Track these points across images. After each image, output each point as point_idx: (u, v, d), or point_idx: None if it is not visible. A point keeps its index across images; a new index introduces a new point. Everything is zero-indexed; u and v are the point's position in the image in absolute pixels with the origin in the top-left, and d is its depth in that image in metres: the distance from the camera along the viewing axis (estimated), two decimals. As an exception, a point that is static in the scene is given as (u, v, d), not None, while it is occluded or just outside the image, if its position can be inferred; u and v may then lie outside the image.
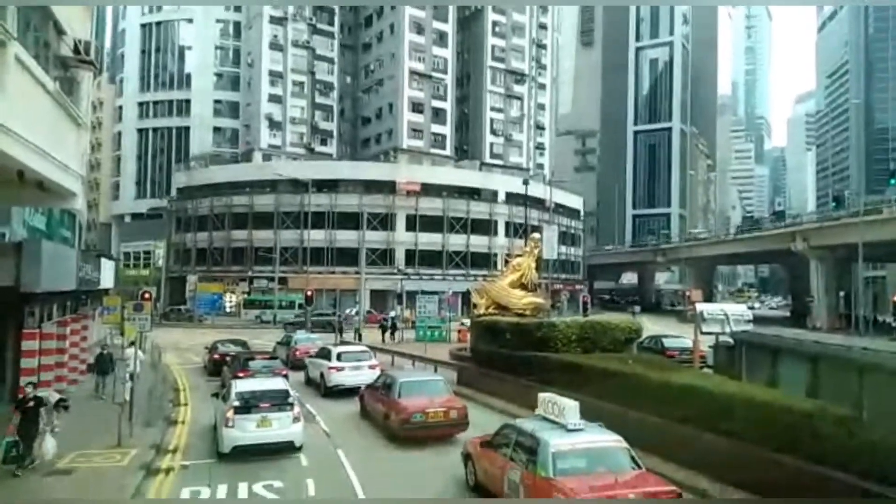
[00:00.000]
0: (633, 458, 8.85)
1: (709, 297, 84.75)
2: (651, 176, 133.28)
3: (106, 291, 27.78)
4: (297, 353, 26.56)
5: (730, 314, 15.77)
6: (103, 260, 25.96)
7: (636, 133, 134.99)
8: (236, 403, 13.36)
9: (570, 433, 8.97)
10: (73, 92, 15.95)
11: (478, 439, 11.21)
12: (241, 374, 19.08)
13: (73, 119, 11.76)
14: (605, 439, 9.02)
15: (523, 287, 25.71)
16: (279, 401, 13.66)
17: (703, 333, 16.35)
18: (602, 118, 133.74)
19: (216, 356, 25.18)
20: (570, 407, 9.20)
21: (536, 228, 61.95)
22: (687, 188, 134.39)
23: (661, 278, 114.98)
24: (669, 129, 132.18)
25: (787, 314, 78.56)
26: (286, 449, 13.28)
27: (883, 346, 13.53)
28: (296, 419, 13.53)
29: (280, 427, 13.30)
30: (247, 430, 13.09)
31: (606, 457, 8.78)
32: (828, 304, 54.40)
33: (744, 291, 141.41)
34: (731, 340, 14.65)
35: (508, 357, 19.37)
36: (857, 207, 47.65)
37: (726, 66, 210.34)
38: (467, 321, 41.70)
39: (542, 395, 9.90)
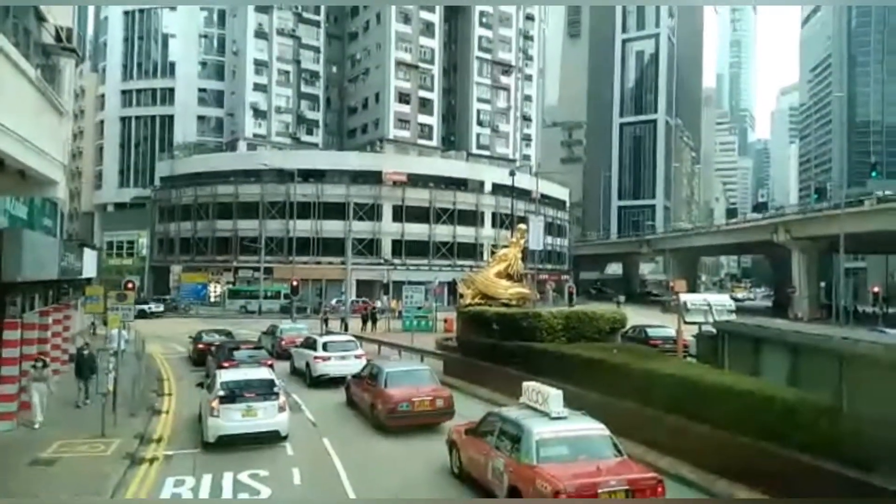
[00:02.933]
0: (615, 446, 8.97)
1: (693, 288, 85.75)
2: (637, 168, 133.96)
3: (88, 281, 27.49)
4: (283, 342, 26.46)
5: (713, 304, 15.95)
6: (86, 249, 25.63)
7: (622, 125, 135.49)
8: (221, 393, 13.33)
9: (554, 421, 9.07)
10: (54, 80, 15.76)
11: (462, 427, 11.30)
12: (225, 364, 19.07)
13: (54, 107, 11.59)
14: (588, 427, 9.12)
15: (509, 277, 25.76)
16: (265, 390, 13.66)
17: (686, 323, 16.53)
18: (588, 110, 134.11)
19: (201, 346, 25.11)
20: (553, 396, 9.29)
21: (523, 219, 62.27)
22: (672, 180, 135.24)
23: (646, 269, 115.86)
24: (655, 121, 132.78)
25: (769, 304, 79.54)
26: (272, 438, 13.29)
27: (864, 336, 13.76)
28: (281, 409, 13.53)
29: (265, 416, 13.30)
30: (232, 420, 13.07)
31: (589, 444, 8.88)
32: (809, 295, 55.17)
33: (741, 281, 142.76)
34: (713, 330, 14.83)
35: (494, 347, 19.46)
36: (838, 199, 48.25)
37: (711, 58, 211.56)
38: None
39: (526, 384, 10.00)
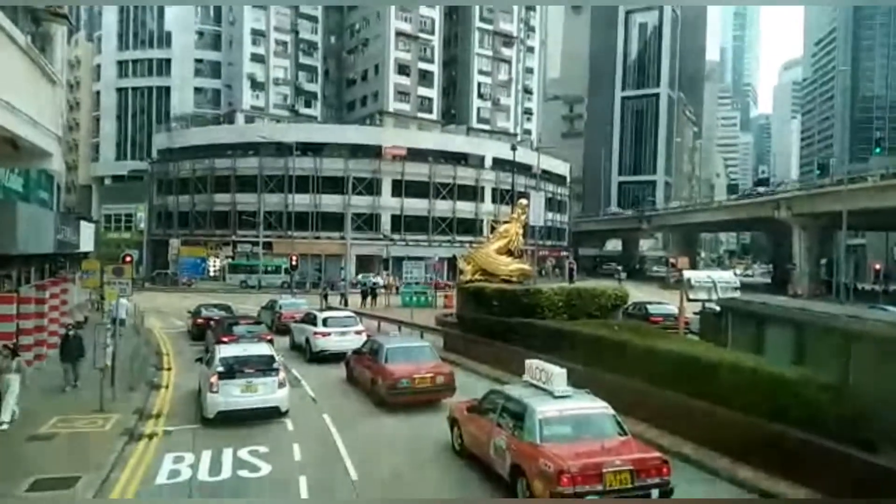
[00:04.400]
0: (619, 425, 8.86)
1: (693, 265, 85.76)
2: (637, 143, 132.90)
3: (85, 255, 27.34)
4: (283, 317, 26.49)
5: (717, 281, 15.80)
6: (82, 223, 25.46)
7: (624, 99, 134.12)
8: (220, 369, 13.22)
9: (557, 400, 8.94)
10: (46, 48, 15.37)
11: (464, 404, 11.20)
12: (225, 339, 18.88)
13: (46, 76, 11.27)
14: (591, 406, 9.00)
15: (510, 254, 25.66)
16: (264, 366, 13.55)
17: (689, 300, 16.40)
18: (590, 84, 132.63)
19: (200, 321, 25.00)
20: (557, 374, 9.16)
21: (523, 195, 61.85)
22: (673, 155, 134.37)
23: (646, 245, 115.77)
24: (657, 95, 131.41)
25: (768, 281, 79.55)
26: (272, 414, 13.22)
27: (866, 314, 13.64)
28: (281, 384, 13.44)
29: (265, 392, 13.22)
30: (231, 396, 12.98)
31: (593, 424, 8.77)
32: (809, 272, 55.08)
33: (743, 258, 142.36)
34: (717, 307, 14.70)
35: (495, 323, 19.39)
36: (841, 175, 47.90)
37: (715, 31, 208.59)
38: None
39: (529, 362, 9.87)
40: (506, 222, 26.52)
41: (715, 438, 10.29)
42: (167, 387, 16.58)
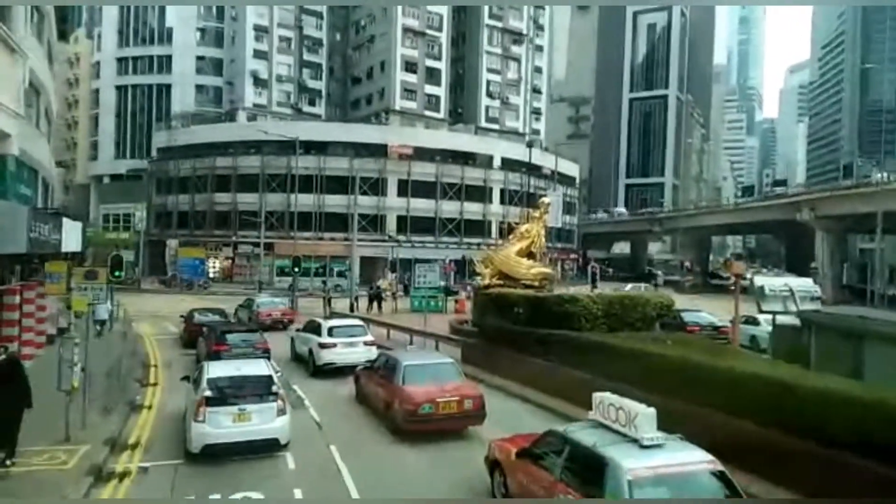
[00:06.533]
0: (730, 485, 6.67)
1: (705, 268, 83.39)
2: (645, 145, 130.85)
3: (71, 256, 25.23)
4: (260, 316, 26.93)
5: (795, 289, 13.59)
6: (66, 220, 23.24)
7: (631, 100, 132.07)
8: (208, 393, 11.06)
9: (646, 451, 6.74)
10: (4, 16, 13.28)
11: (509, 443, 9.00)
12: (215, 348, 17.17)
13: (4, 44, 9.11)
14: (693, 461, 6.79)
15: (531, 256, 23.51)
16: (261, 389, 11.41)
17: (762, 312, 14.19)
18: (597, 85, 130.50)
19: (193, 327, 23.08)
20: (644, 414, 6.95)
21: (532, 196, 59.89)
22: (681, 157, 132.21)
23: (653, 248, 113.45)
24: (665, 96, 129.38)
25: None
26: (269, 448, 11.05)
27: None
28: (280, 412, 11.28)
29: (261, 421, 11.06)
30: (221, 426, 10.83)
31: (696, 485, 6.58)
32: (833, 276, 52.77)
33: (754, 263, 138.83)
34: (796, 321, 12.52)
35: (522, 334, 17.18)
36: (869, 177, 45.72)
37: (721, 35, 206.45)
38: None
39: (599, 396, 7.64)
40: (526, 222, 24.30)
41: (836, 489, 8.07)
42: (150, 407, 14.41)
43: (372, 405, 14.03)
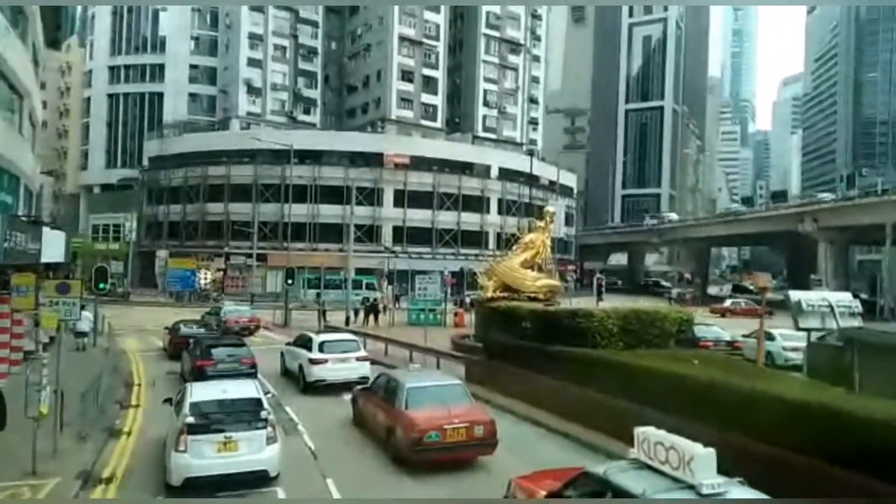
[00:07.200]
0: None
1: (705, 280, 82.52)
2: (641, 155, 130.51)
3: (54, 267, 24.08)
4: (227, 323, 27.96)
5: (834, 304, 12.57)
6: (47, 230, 22.12)
7: (627, 111, 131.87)
8: (190, 420, 9.92)
9: (707, 502, 5.66)
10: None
11: (533, 483, 7.89)
12: (201, 364, 16.46)
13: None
14: (764, 512, 5.73)
15: (535, 267, 22.48)
16: (249, 415, 10.28)
17: (800, 329, 13.14)
18: (593, 96, 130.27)
19: (178, 339, 22.21)
20: (701, 455, 5.85)
21: (530, 206, 59.00)
22: (677, 168, 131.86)
23: (650, 259, 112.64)
24: (661, 107, 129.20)
25: (780, 297, 76.04)
26: (257, 481, 9.90)
27: None
28: (270, 439, 10.15)
29: (249, 451, 9.94)
30: (204, 457, 9.71)
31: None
32: (836, 288, 51.91)
33: (751, 274, 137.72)
34: (836, 339, 11.50)
35: (531, 350, 16.08)
36: (875, 187, 45.01)
37: (715, 47, 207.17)
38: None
39: (642, 432, 6.52)
40: (531, 232, 23.26)
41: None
42: (129, 433, 13.19)
43: (371, 430, 12.90)
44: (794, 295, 13.21)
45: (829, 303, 12.62)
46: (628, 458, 6.66)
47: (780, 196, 70.69)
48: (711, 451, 5.92)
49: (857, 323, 12.31)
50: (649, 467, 6.30)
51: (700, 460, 5.82)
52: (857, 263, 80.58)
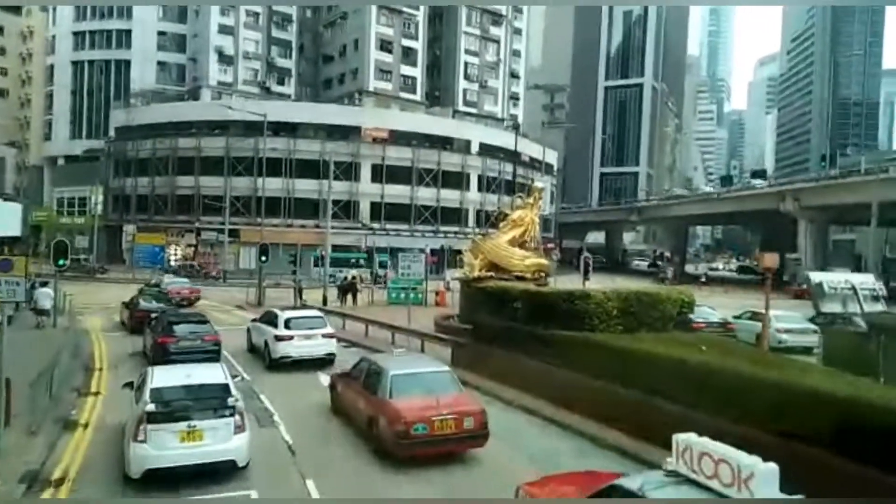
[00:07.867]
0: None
1: (683, 258, 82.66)
2: (620, 133, 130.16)
3: (9, 241, 22.52)
4: (169, 293, 28.30)
5: (857, 287, 11.76)
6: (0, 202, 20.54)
7: (607, 89, 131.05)
8: (151, 407, 8.86)
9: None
10: None
11: (543, 490, 6.92)
12: (163, 340, 15.90)
13: None
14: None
15: (523, 245, 21.60)
16: (215, 402, 9.25)
17: (820, 314, 12.34)
18: (572, 73, 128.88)
19: (138, 313, 21.29)
20: (762, 471, 4.89)
21: (511, 183, 57.92)
22: (655, 147, 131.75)
23: (627, 238, 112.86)
24: (641, 85, 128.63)
25: (754, 276, 76.49)
26: (225, 471, 8.91)
27: None
28: (238, 428, 9.13)
29: (215, 440, 8.95)
30: (166, 447, 8.69)
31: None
32: (816, 267, 52.09)
33: (726, 252, 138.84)
34: (860, 325, 10.71)
35: (524, 333, 15.14)
36: (857, 167, 44.82)
37: (694, 25, 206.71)
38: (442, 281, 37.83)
39: (682, 439, 5.51)
40: (520, 209, 22.32)
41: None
42: (86, 425, 11.94)
43: (351, 417, 11.91)
44: (816, 276, 12.42)
45: (853, 285, 11.86)
46: (665, 469, 5.70)
47: (759, 175, 70.50)
48: (774, 466, 4.97)
49: (880, 307, 11.59)
50: (691, 481, 5.36)
51: (762, 477, 4.87)
52: (832, 243, 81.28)
